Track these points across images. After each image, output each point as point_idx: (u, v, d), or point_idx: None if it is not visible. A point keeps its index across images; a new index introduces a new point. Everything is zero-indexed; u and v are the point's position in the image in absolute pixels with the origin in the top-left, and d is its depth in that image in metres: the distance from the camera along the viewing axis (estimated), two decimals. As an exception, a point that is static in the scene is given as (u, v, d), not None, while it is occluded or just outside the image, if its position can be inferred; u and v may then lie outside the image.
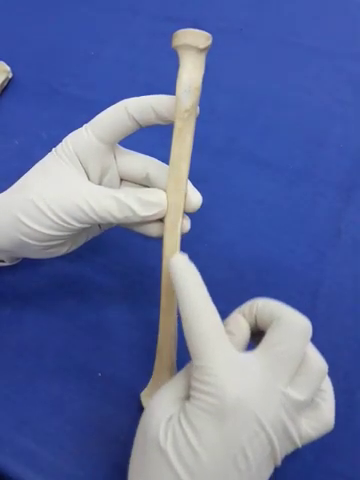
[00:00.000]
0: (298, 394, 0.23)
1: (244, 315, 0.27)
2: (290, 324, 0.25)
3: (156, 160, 0.31)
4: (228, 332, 0.26)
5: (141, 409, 0.32)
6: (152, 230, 0.30)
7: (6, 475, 0.31)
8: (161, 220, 0.30)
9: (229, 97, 0.49)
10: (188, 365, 0.26)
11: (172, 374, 0.31)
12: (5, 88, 0.51)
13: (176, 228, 0.29)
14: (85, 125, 0.30)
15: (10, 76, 0.51)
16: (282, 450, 0.24)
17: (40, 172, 0.30)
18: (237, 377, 0.23)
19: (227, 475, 0.22)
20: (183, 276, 0.26)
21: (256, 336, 0.27)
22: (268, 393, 0.23)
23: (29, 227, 0.28)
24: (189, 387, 0.25)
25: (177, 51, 0.28)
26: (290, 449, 0.24)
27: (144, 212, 0.28)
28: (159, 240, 0.30)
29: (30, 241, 0.29)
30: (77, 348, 0.35)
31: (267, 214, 0.42)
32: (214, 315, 0.25)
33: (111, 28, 0.57)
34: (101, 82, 0.52)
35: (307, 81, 0.50)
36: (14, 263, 0.35)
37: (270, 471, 0.24)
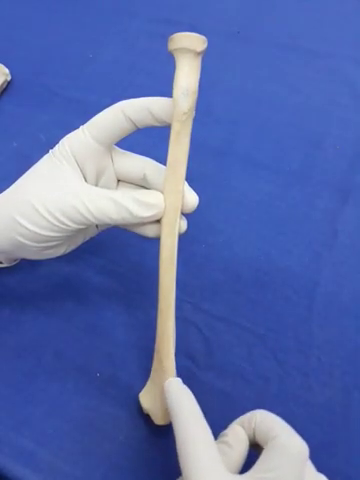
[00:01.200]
0: None
1: (243, 427, 0.27)
2: (285, 448, 0.24)
3: (153, 161, 0.31)
4: (226, 443, 0.26)
5: (140, 409, 0.32)
6: (149, 231, 0.30)
7: (5, 475, 0.31)
8: (158, 221, 0.30)
9: (226, 99, 0.50)
10: None
11: (170, 375, 0.31)
12: (4, 90, 0.52)
13: (174, 229, 0.29)
14: (82, 126, 0.30)
15: (9, 78, 0.52)
16: None
17: (37, 174, 0.30)
18: None
19: None
20: (178, 400, 0.26)
21: (258, 446, 0.26)
22: None
23: (26, 228, 0.28)
24: None
25: (173, 54, 0.28)
26: None
27: (141, 213, 0.28)
28: (156, 241, 0.30)
29: (27, 242, 0.29)
30: (75, 348, 0.35)
31: (264, 215, 0.42)
32: (207, 436, 0.25)
33: (109, 31, 0.57)
34: (99, 84, 0.52)
35: (304, 83, 0.50)
36: (12, 264, 0.36)
37: None
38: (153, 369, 0.32)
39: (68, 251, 0.33)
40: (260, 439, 0.26)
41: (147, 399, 0.31)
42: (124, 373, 0.34)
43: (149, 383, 0.32)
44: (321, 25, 0.55)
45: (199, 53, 0.27)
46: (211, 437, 0.25)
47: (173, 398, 0.27)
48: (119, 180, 0.33)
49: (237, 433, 0.26)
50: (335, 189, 0.43)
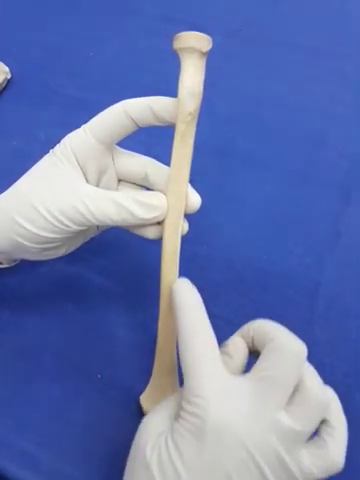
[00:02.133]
0: (293, 423, 0.22)
1: (243, 337, 0.27)
2: (282, 348, 0.24)
3: (154, 160, 0.31)
4: (226, 354, 0.26)
5: (140, 411, 0.32)
6: (150, 232, 0.30)
7: (6, 477, 0.31)
8: (159, 223, 0.30)
9: (228, 98, 0.49)
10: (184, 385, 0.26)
11: (172, 376, 0.31)
12: (3, 89, 0.51)
13: (176, 230, 0.29)
14: (83, 126, 0.30)
15: (9, 77, 0.51)
16: None
17: (38, 174, 0.30)
18: (223, 399, 0.23)
19: None
20: (183, 297, 0.27)
21: (258, 354, 0.26)
22: (256, 419, 0.22)
23: (25, 229, 0.28)
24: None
25: (179, 53, 0.27)
26: None
27: (143, 215, 0.28)
28: (158, 241, 0.30)
29: (27, 243, 0.29)
30: (76, 350, 0.35)
31: (266, 215, 0.42)
32: (210, 338, 0.25)
33: (110, 29, 0.57)
34: (100, 83, 0.52)
35: (306, 82, 0.50)
36: (12, 265, 0.35)
37: None
38: (154, 370, 0.32)
39: (68, 252, 0.33)
40: (258, 344, 0.26)
41: (149, 401, 0.31)
42: (125, 374, 0.34)
43: (150, 385, 0.32)
44: (324, 24, 0.55)
45: (205, 53, 0.27)
46: (214, 340, 0.25)
47: (180, 296, 0.27)
48: (120, 180, 0.32)
49: (237, 343, 0.26)
50: (337, 189, 0.43)
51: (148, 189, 0.32)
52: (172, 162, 0.29)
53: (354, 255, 0.39)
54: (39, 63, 0.54)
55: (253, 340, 0.26)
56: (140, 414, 0.32)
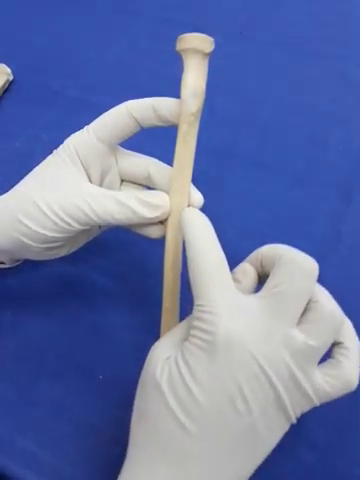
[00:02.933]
0: (306, 338, 0.22)
1: (251, 263, 0.27)
2: (293, 264, 0.24)
3: (157, 160, 0.31)
4: (235, 280, 0.26)
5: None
6: (153, 232, 0.30)
7: (7, 477, 0.31)
8: (162, 222, 0.30)
9: (229, 100, 0.49)
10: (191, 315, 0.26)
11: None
12: (6, 90, 0.51)
13: (179, 229, 0.29)
14: (86, 126, 0.30)
15: (11, 78, 0.52)
16: (293, 402, 0.22)
17: (41, 174, 0.30)
18: (234, 314, 0.23)
19: (225, 416, 0.22)
20: (193, 221, 0.26)
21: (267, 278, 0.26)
22: (267, 333, 0.22)
23: (29, 228, 0.28)
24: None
25: (182, 55, 0.28)
26: (305, 404, 0.23)
27: (146, 214, 0.28)
28: (161, 241, 0.30)
29: (30, 242, 0.29)
30: (78, 350, 0.35)
31: (268, 216, 0.42)
32: (220, 258, 0.25)
33: (111, 30, 0.57)
34: (101, 84, 0.52)
35: (307, 83, 0.50)
36: (15, 265, 0.35)
37: (283, 428, 0.23)
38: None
39: (71, 251, 0.33)
40: (267, 266, 0.26)
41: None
42: (127, 375, 0.34)
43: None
44: (325, 25, 0.55)
45: (207, 54, 0.27)
46: (225, 260, 0.25)
47: (189, 220, 0.26)
48: (123, 180, 0.33)
49: (245, 268, 0.27)
50: (339, 190, 0.43)
51: (151, 189, 0.32)
52: (174, 162, 0.29)
53: (355, 255, 0.39)
54: (41, 64, 0.54)
55: (262, 264, 0.26)
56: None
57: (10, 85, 0.52)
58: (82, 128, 0.31)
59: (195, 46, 0.27)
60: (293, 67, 0.52)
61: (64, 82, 0.52)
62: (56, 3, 0.60)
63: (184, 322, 0.26)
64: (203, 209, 0.30)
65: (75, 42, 0.56)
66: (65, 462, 0.31)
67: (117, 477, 0.26)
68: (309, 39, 0.54)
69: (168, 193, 0.29)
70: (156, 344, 0.26)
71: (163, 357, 0.24)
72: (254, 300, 0.24)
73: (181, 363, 0.23)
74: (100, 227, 0.34)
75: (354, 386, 0.24)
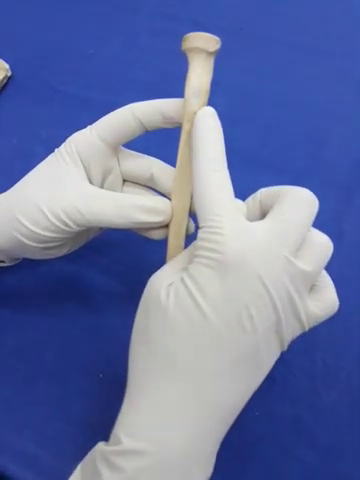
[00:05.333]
0: (303, 265, 0.23)
1: (248, 207, 0.27)
2: (296, 195, 0.25)
3: (160, 161, 0.31)
4: None
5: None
6: (154, 234, 0.30)
7: (7, 477, 0.30)
8: (164, 225, 0.30)
9: (229, 97, 0.49)
10: (194, 242, 0.26)
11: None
12: (4, 86, 0.51)
13: (181, 230, 0.29)
14: (89, 126, 0.30)
15: (9, 74, 0.51)
16: (288, 327, 0.23)
17: (41, 173, 0.30)
18: (242, 235, 0.23)
19: (232, 332, 0.22)
20: (205, 129, 0.26)
21: None
22: (272, 256, 0.23)
23: (28, 228, 0.28)
24: (192, 258, 0.25)
25: (187, 54, 0.28)
26: (297, 330, 0.24)
27: (147, 219, 0.28)
28: (162, 240, 0.30)
29: (29, 242, 0.29)
30: (78, 349, 0.35)
31: (268, 214, 0.41)
32: (227, 179, 0.25)
33: (110, 26, 0.56)
34: (100, 81, 0.51)
35: (308, 81, 0.50)
36: (14, 263, 0.35)
37: (276, 354, 0.24)
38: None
39: (71, 251, 0.32)
40: (267, 205, 0.26)
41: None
42: (127, 373, 0.34)
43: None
44: (326, 22, 0.54)
45: (212, 53, 0.27)
46: (229, 184, 0.26)
47: (202, 127, 0.26)
48: (125, 180, 0.32)
49: (237, 203, 0.27)
50: (340, 188, 0.42)
51: (153, 189, 0.32)
52: (178, 162, 0.29)
53: (357, 254, 0.39)
54: (39, 61, 0.53)
55: (261, 204, 0.27)
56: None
57: (8, 81, 0.51)
58: (81, 125, 0.30)
59: (199, 45, 0.27)
60: (293, 64, 0.51)
61: (63, 78, 0.52)
62: (54, -1, 0.60)
63: (184, 252, 0.27)
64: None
65: (74, 38, 0.55)
66: (64, 462, 0.31)
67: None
68: (309, 36, 0.54)
69: (171, 194, 0.29)
70: (156, 273, 0.26)
71: (166, 283, 0.24)
72: (260, 224, 0.24)
73: (188, 281, 0.23)
74: (100, 228, 0.33)
75: (337, 307, 0.25)
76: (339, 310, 0.36)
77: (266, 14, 0.56)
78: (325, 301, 0.25)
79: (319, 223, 0.41)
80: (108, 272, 0.38)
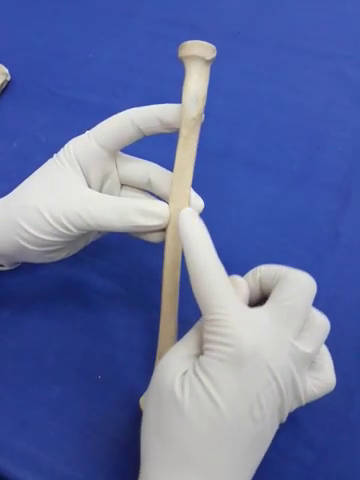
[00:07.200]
0: (305, 347, 0.24)
1: (248, 282, 0.28)
2: (296, 280, 0.26)
3: (157, 165, 0.31)
4: None
5: (140, 413, 0.32)
6: (152, 237, 0.30)
7: (6, 478, 0.31)
8: (162, 229, 0.30)
9: (227, 100, 0.50)
10: (197, 323, 0.27)
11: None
12: (3, 90, 0.51)
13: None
14: (87, 132, 0.30)
15: (8, 78, 0.51)
16: (289, 406, 0.24)
17: (41, 178, 0.30)
18: (250, 327, 0.24)
19: (244, 424, 0.23)
20: (192, 229, 0.26)
21: (261, 302, 0.27)
22: (278, 343, 0.24)
23: (28, 232, 0.28)
24: (200, 344, 0.25)
25: (184, 61, 0.28)
26: (295, 405, 0.25)
27: (145, 223, 0.28)
28: (159, 243, 0.30)
29: (29, 246, 0.29)
30: (77, 351, 0.35)
31: (265, 216, 0.42)
32: (223, 270, 0.26)
33: (109, 31, 0.57)
34: (99, 85, 0.52)
35: (305, 84, 0.50)
36: (13, 267, 0.35)
37: (276, 426, 0.25)
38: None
39: (70, 255, 0.33)
40: (267, 286, 0.27)
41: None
42: (126, 375, 0.34)
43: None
44: (322, 26, 0.55)
45: (209, 61, 0.28)
46: (225, 273, 0.26)
47: (188, 227, 0.26)
48: (123, 184, 0.33)
49: (236, 281, 0.27)
50: (336, 190, 0.43)
51: (151, 194, 0.32)
52: (175, 166, 0.29)
53: (353, 255, 0.39)
54: (39, 65, 0.54)
55: (261, 282, 0.27)
56: (141, 415, 0.32)
57: (8, 85, 0.52)
58: (80, 128, 0.31)
59: (196, 53, 0.27)
60: (290, 67, 0.52)
61: (62, 82, 0.52)
62: (54, 3, 0.60)
63: (190, 335, 0.26)
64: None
65: (73, 42, 0.56)
66: (64, 463, 0.31)
67: (116, 476, 0.26)
68: (306, 39, 0.54)
69: (168, 198, 0.29)
70: (165, 361, 0.26)
71: (179, 373, 0.24)
72: (261, 313, 0.25)
73: (204, 378, 0.23)
74: (100, 232, 0.34)
75: (333, 387, 0.26)
76: (335, 310, 0.37)
77: (264, 18, 0.57)
78: (323, 381, 0.26)
79: (316, 225, 0.41)
80: (107, 275, 0.38)
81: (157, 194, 0.31)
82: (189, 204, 0.29)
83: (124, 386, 0.34)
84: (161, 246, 0.30)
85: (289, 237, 0.41)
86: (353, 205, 0.42)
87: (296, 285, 0.25)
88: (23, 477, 0.30)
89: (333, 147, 0.46)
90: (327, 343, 0.35)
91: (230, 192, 0.43)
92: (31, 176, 0.31)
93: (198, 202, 0.30)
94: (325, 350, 0.27)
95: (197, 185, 0.31)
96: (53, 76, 0.53)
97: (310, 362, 0.25)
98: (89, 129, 0.30)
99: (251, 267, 0.38)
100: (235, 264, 0.39)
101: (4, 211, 0.29)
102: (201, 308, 0.25)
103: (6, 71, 0.51)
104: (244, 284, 0.27)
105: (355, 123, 0.47)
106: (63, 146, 0.31)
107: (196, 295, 0.25)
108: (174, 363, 0.25)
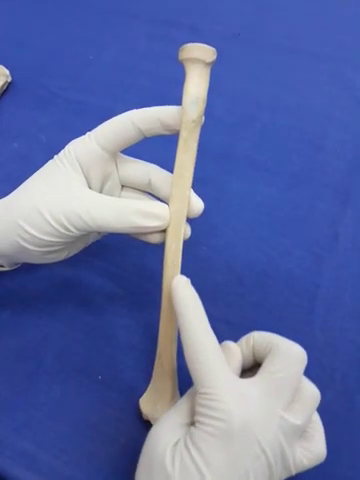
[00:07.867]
0: (295, 419, 0.24)
1: (242, 348, 0.28)
2: (287, 352, 0.26)
3: (157, 167, 0.31)
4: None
5: (140, 413, 0.32)
6: (153, 238, 0.30)
7: (6, 478, 0.31)
8: (162, 230, 0.30)
9: (227, 102, 0.50)
10: (190, 391, 0.27)
11: (172, 380, 0.31)
12: (4, 92, 0.52)
13: (179, 234, 0.29)
14: (88, 133, 0.30)
15: (9, 80, 0.52)
16: (277, 475, 0.24)
17: (41, 178, 0.30)
18: (240, 401, 0.24)
19: None
20: (185, 300, 0.27)
21: (254, 368, 0.28)
22: (268, 417, 0.24)
23: (29, 233, 0.28)
24: (192, 413, 0.25)
25: (184, 64, 0.28)
26: (284, 476, 0.25)
27: (146, 224, 0.28)
28: (159, 243, 0.30)
29: (30, 247, 0.29)
30: (77, 351, 0.35)
31: (265, 218, 0.42)
32: (215, 342, 0.26)
33: (110, 32, 0.57)
34: (99, 86, 0.52)
35: (305, 86, 0.50)
36: (13, 268, 0.36)
37: None
38: (154, 373, 0.32)
39: (70, 255, 0.33)
40: (259, 354, 0.27)
41: (148, 404, 0.31)
42: (126, 375, 0.34)
43: (150, 388, 0.32)
44: (322, 28, 0.55)
45: (209, 63, 0.28)
46: (217, 344, 0.26)
47: (180, 298, 0.27)
48: (123, 186, 0.33)
49: (230, 348, 0.28)
50: (336, 191, 0.43)
51: (151, 195, 0.32)
52: (175, 167, 0.29)
53: (353, 257, 0.39)
54: (39, 66, 0.54)
55: (254, 350, 0.28)
56: (140, 415, 0.32)
57: (8, 87, 0.52)
58: (81, 129, 0.31)
59: (196, 56, 0.27)
60: (290, 69, 0.52)
61: (62, 84, 0.52)
62: (55, 5, 0.60)
63: (182, 403, 0.27)
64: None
65: (74, 44, 0.56)
66: (64, 463, 0.31)
67: (116, 477, 0.26)
68: (306, 41, 0.54)
69: (168, 199, 0.29)
70: (156, 429, 0.26)
71: (170, 443, 0.24)
72: (252, 384, 0.25)
73: (194, 452, 0.23)
74: (100, 233, 0.34)
75: (324, 458, 0.26)
76: (335, 311, 0.37)
77: (263, 20, 0.57)
78: (313, 452, 0.25)
79: (315, 226, 0.41)
80: (106, 275, 0.38)
81: (157, 195, 0.31)
82: (189, 206, 0.29)
83: (124, 386, 0.34)
84: (161, 247, 0.30)
85: (289, 238, 0.41)
86: (353, 206, 0.42)
87: (288, 357, 0.26)
88: (23, 477, 0.30)
89: (332, 148, 0.46)
90: (327, 343, 0.35)
91: (230, 193, 0.44)
92: (32, 177, 0.31)
93: (198, 203, 0.30)
94: (316, 418, 0.27)
95: (197, 186, 0.31)
96: (54, 77, 0.53)
97: (300, 432, 0.25)
98: (90, 130, 0.30)
99: (251, 267, 0.39)
100: (235, 264, 0.40)
101: (5, 212, 0.29)
102: (193, 379, 0.25)
103: (7, 72, 0.51)
104: (237, 351, 0.28)
105: (354, 125, 0.47)
106: (64, 147, 0.31)
107: (189, 366, 0.26)
108: (166, 432, 0.25)
